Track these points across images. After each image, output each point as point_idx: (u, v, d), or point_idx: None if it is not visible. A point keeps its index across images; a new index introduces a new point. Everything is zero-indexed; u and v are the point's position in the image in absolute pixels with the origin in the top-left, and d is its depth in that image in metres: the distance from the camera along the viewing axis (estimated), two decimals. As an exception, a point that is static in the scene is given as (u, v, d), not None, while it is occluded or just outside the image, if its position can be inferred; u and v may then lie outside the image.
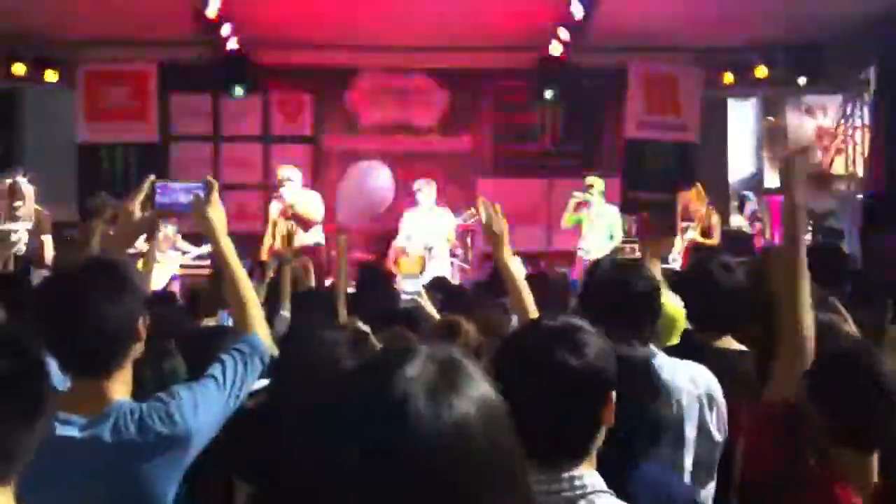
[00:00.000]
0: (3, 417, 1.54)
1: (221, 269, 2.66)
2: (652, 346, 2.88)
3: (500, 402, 1.25)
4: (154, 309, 3.40)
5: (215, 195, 2.66)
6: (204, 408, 2.26)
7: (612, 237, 9.89)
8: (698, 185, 10.15)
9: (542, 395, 1.79)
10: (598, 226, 9.89)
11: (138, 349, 2.30)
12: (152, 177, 2.83)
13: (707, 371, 2.87)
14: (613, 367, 1.88)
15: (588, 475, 1.80)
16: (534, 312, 3.01)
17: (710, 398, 2.81)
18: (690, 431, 2.77)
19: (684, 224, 9.99)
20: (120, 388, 2.23)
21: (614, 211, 10.11)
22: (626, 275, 2.91)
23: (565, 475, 1.78)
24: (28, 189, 8.22)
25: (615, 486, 1.83)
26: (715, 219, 9.97)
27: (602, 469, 1.85)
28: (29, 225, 8.08)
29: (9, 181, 8.21)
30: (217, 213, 2.64)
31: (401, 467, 1.15)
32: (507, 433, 1.23)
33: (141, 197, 2.76)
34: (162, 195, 2.79)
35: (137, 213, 2.76)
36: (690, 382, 2.81)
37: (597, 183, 10.01)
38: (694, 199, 10.00)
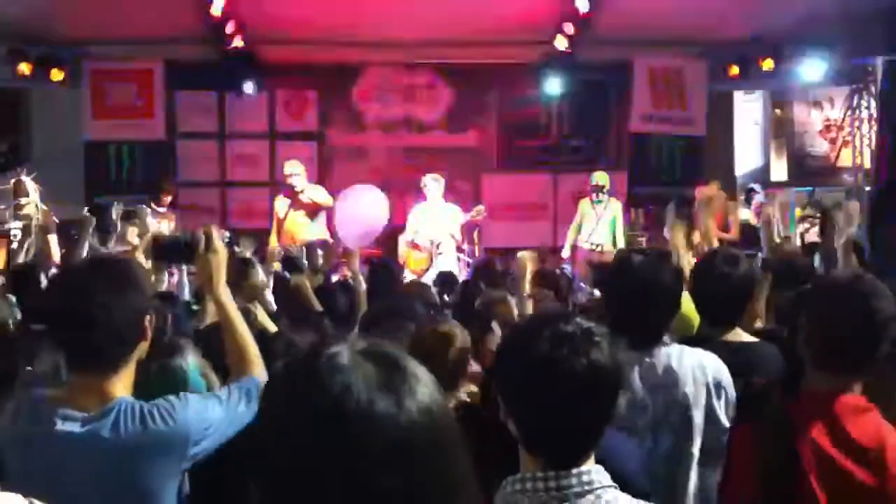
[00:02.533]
0: None
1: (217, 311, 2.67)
2: (665, 337, 2.92)
3: (442, 401, 1.20)
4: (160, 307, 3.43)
5: (216, 241, 2.65)
6: (205, 417, 2.30)
7: (614, 229, 10.17)
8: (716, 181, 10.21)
9: (555, 399, 1.82)
10: (605, 219, 10.12)
11: (143, 348, 2.33)
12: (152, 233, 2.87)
13: (715, 358, 2.90)
14: (621, 366, 1.90)
15: (595, 470, 1.84)
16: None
17: (718, 384, 2.84)
18: (698, 417, 2.80)
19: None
20: (122, 386, 2.27)
21: (617, 204, 10.38)
22: (657, 268, 2.97)
23: (574, 471, 1.82)
24: (32, 187, 8.23)
25: None
26: (733, 213, 10.04)
27: None
28: (31, 223, 8.09)
29: (13, 180, 8.22)
30: (217, 259, 2.63)
31: (349, 466, 1.12)
32: (452, 432, 1.20)
33: (142, 249, 2.79)
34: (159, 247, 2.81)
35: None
36: (698, 369, 2.84)
37: (604, 179, 10.21)
38: (714, 193, 10.04)
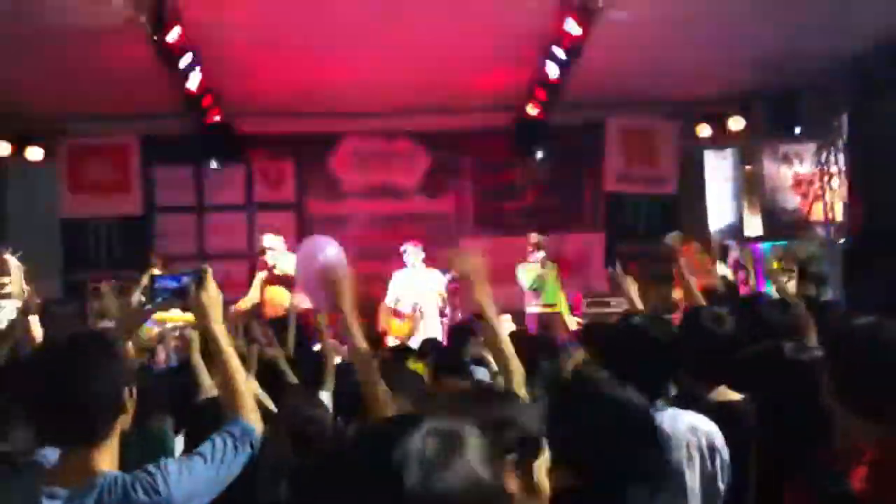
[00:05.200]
0: None
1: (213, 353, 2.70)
2: (659, 401, 2.92)
3: (488, 478, 1.29)
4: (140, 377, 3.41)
5: (210, 281, 2.71)
6: (189, 482, 2.28)
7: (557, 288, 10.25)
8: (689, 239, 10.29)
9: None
10: (551, 280, 10.17)
11: (125, 421, 2.33)
12: (154, 270, 2.92)
13: (708, 420, 2.89)
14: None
15: None
16: (513, 356, 2.96)
17: (712, 448, 2.83)
18: (692, 481, 2.79)
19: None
20: (106, 460, 2.26)
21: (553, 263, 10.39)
22: (656, 328, 3.02)
23: None
24: (15, 265, 8.21)
25: None
26: (713, 269, 10.10)
27: None
28: (17, 303, 8.04)
29: (-5, 259, 8.20)
30: (211, 299, 2.69)
31: None
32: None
33: (140, 289, 2.84)
34: (158, 286, 2.87)
35: (136, 303, 2.84)
36: (691, 432, 2.83)
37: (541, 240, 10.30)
38: (695, 251, 10.12)
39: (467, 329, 6.18)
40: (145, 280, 2.62)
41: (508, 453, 1.81)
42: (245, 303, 8.98)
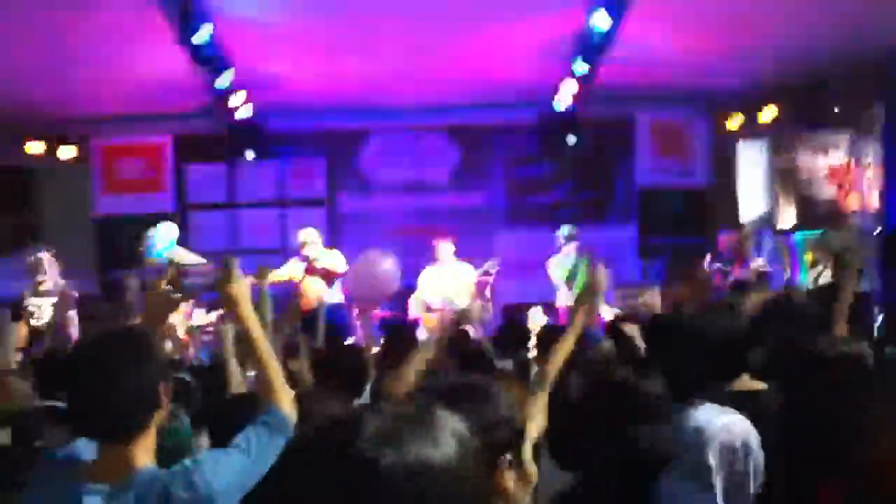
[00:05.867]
0: None
1: (246, 341, 2.73)
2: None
3: (464, 452, 1.23)
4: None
5: (236, 270, 2.73)
6: (226, 473, 2.31)
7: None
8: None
9: None
10: (581, 273, 9.92)
11: (161, 416, 2.36)
12: (178, 259, 2.93)
13: (744, 420, 2.81)
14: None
15: None
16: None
17: (747, 447, 2.75)
18: (720, 481, 2.73)
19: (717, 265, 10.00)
20: (144, 455, 2.28)
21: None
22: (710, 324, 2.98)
23: None
24: (51, 264, 8.34)
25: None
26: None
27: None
28: (53, 300, 8.17)
29: (31, 258, 8.33)
30: (239, 288, 2.70)
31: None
32: (474, 474, 1.23)
33: (165, 280, 2.85)
34: (184, 279, 2.88)
35: (164, 293, 2.85)
36: (726, 431, 2.76)
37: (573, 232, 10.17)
38: (743, 240, 10.09)
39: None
40: (171, 272, 2.62)
41: (504, 452, 1.80)
42: (279, 276, 8.97)
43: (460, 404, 1.57)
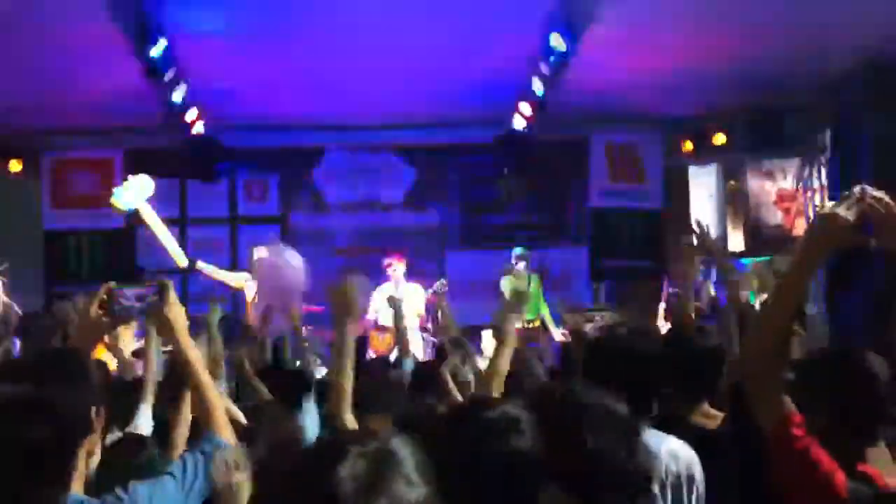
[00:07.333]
0: None
1: (182, 367, 2.65)
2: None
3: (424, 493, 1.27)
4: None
5: (172, 294, 2.66)
6: (159, 502, 2.26)
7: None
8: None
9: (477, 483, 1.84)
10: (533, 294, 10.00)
11: (92, 440, 2.29)
12: (111, 283, 2.85)
13: (688, 448, 2.80)
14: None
15: None
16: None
17: (690, 477, 2.73)
18: None
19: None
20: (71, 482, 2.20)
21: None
22: (641, 342, 2.98)
23: None
24: (-5, 281, 8.13)
25: None
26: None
27: None
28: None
29: (-26, 274, 8.12)
30: (175, 313, 2.64)
31: None
32: None
33: (97, 301, 2.77)
34: (118, 301, 2.80)
35: (94, 316, 2.77)
36: (671, 458, 2.74)
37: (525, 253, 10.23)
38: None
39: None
40: (103, 293, 2.54)
41: None
42: (233, 279, 8.87)
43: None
